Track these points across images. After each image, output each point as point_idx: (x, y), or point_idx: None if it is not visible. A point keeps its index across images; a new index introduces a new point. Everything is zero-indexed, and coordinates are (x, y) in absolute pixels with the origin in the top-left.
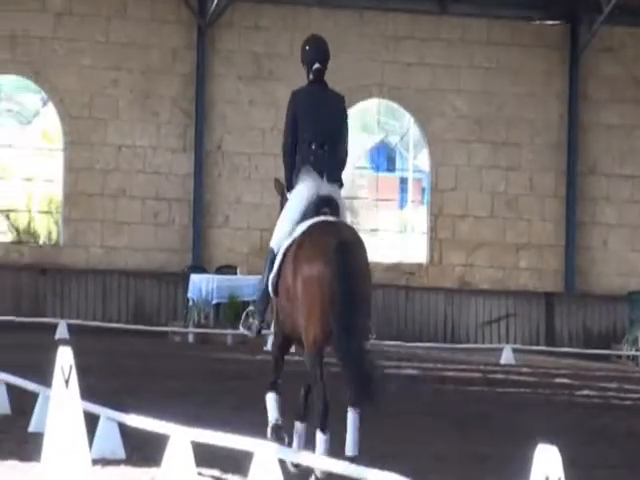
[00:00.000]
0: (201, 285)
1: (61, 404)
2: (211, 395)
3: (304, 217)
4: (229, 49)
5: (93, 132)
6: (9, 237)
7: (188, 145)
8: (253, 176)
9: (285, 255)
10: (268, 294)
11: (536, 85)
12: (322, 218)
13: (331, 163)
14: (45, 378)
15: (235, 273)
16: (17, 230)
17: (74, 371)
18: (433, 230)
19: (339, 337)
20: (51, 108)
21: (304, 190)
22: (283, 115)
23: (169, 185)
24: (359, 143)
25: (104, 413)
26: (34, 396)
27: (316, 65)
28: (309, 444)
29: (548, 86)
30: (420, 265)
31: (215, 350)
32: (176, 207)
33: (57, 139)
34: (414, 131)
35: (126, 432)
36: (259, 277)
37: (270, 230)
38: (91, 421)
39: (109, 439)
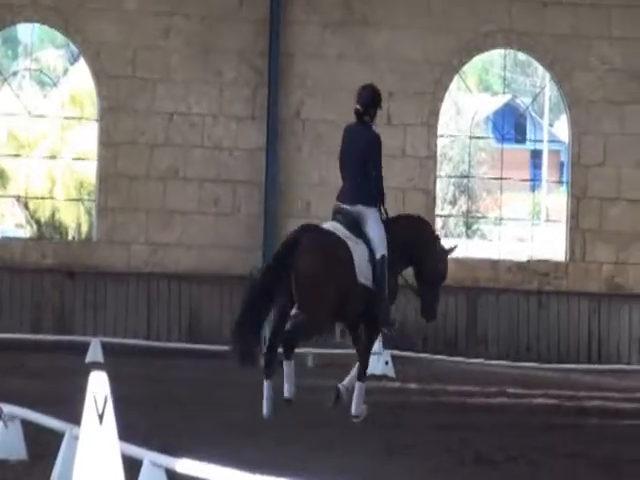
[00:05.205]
0: None
1: (93, 446)
2: (285, 432)
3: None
4: None
5: (137, 96)
6: (28, 232)
7: (258, 112)
8: None
9: None
10: None
11: None
12: (306, 224)
13: (354, 188)
14: (72, 413)
15: None
16: (38, 223)
17: (110, 403)
18: (574, 218)
19: None
20: (83, 66)
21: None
22: (381, 71)
23: (234, 163)
24: (478, 106)
25: (148, 457)
26: (58, 436)
27: (356, 106)
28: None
29: None
30: (557, 264)
31: None
32: (242, 191)
33: (90, 106)
34: (550, 90)
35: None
36: None
37: None
38: (132, 467)
39: None
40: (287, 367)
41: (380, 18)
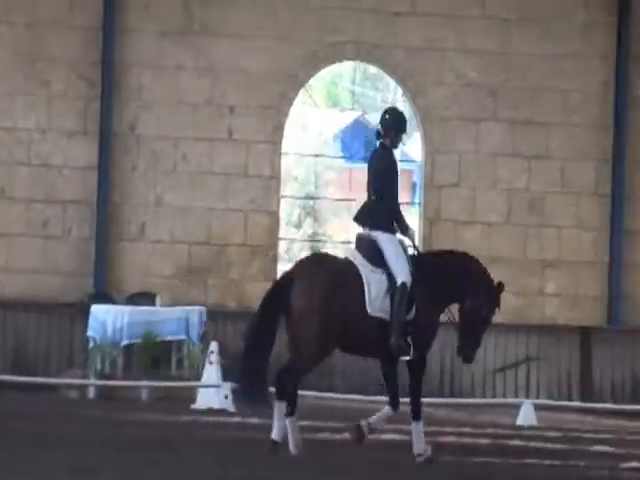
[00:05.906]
0: (106, 320)
1: None
2: (120, 473)
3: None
4: None
5: None
6: None
7: (90, 126)
8: (180, 169)
9: None
10: None
11: (573, 43)
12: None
13: (371, 212)
14: None
15: (153, 303)
16: None
17: None
18: (427, 241)
19: None
20: None
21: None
22: (222, 85)
23: (64, 182)
24: (326, 122)
25: None
26: None
27: (377, 127)
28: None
29: (589, 45)
30: None
31: (125, 409)
32: (73, 213)
33: None
34: (403, 106)
35: None
36: (187, 308)
37: (203, 244)
38: None
39: None
40: (277, 408)
41: (222, 27)
